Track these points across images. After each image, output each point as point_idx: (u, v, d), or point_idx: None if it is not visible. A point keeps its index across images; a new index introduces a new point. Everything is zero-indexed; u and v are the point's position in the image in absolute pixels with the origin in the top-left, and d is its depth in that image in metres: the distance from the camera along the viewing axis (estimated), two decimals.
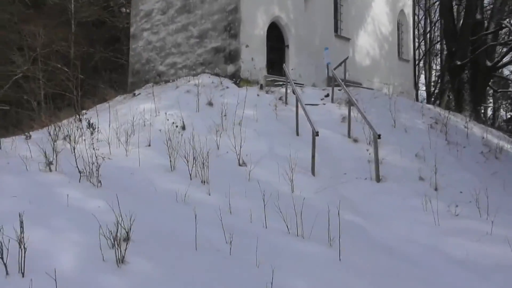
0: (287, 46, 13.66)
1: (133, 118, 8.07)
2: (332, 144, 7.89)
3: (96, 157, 4.73)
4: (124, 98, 11.75)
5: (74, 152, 5.04)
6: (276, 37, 13.36)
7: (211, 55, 12.81)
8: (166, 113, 9.04)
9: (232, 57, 12.24)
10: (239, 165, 6.49)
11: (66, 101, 17.01)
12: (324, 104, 10.40)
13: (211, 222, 3.90)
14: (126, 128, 7.92)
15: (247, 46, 12.11)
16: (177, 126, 8.51)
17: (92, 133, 6.32)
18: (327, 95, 11.00)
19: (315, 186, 5.99)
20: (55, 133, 7.11)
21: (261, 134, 7.99)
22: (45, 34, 18.38)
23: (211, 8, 12.73)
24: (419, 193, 5.81)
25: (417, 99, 18.91)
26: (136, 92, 11.79)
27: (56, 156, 5.09)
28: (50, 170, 4.71)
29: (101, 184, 4.50)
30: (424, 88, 29.92)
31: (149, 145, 7.20)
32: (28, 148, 5.72)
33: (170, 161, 5.80)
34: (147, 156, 6.39)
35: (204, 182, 5.38)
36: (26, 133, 7.79)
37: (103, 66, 21.82)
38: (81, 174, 4.48)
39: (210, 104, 9.76)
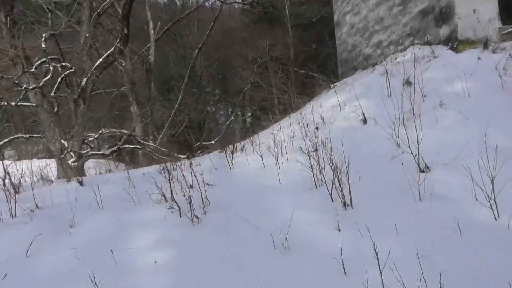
0: None
1: (305, 118, 7.06)
2: None
3: (199, 185, 3.98)
4: (321, 93, 10.87)
5: (207, 179, 4.48)
6: None
7: (418, 21, 10.27)
8: (350, 106, 7.65)
9: (444, 15, 9.38)
10: (421, 170, 4.44)
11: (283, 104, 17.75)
12: None
13: None
14: (304, 131, 7.04)
15: None
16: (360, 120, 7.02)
17: (191, 161, 5.66)
18: None
19: None
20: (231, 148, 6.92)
21: (471, 117, 5.45)
22: (268, 44, 19.81)
23: None
24: None
25: None
26: (332, 84, 10.67)
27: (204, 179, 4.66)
28: (166, 200, 4.25)
29: (198, 219, 3.68)
30: None
31: (316, 150, 6.03)
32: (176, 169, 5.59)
33: (314, 175, 4.48)
34: (301, 168, 5.26)
35: (347, 205, 3.80)
36: (203, 151, 8.00)
37: (328, 62, 21.69)
38: (180, 210, 3.79)
39: (408, 83, 7.61)
